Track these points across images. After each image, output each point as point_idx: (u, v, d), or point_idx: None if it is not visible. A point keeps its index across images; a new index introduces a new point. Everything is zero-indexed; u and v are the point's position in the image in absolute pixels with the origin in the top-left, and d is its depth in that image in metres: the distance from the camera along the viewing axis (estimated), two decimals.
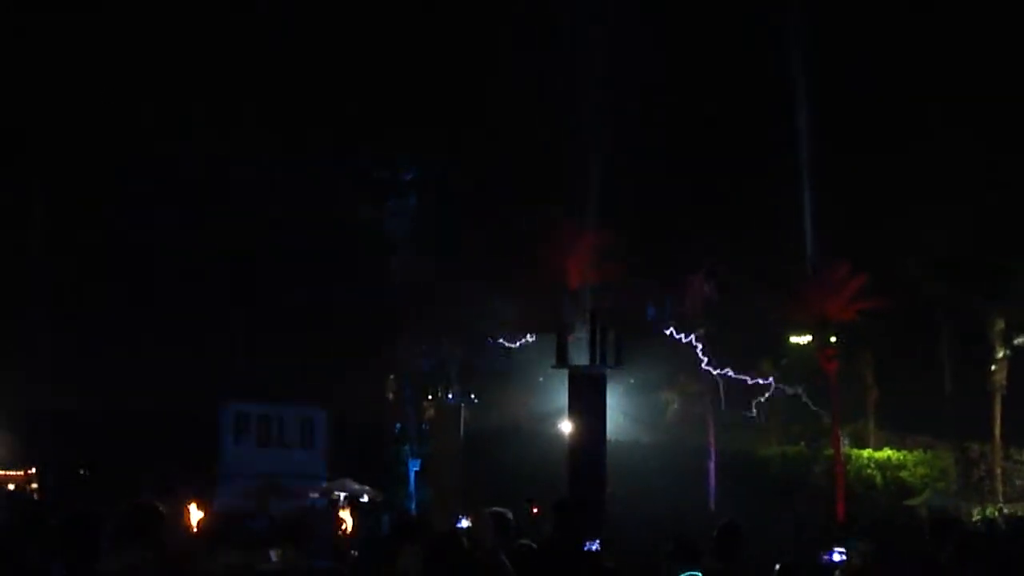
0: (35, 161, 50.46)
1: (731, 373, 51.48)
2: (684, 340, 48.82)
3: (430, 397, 45.30)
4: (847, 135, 53.75)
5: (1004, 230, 50.64)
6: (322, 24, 53.49)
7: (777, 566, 12.12)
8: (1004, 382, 50.88)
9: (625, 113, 47.64)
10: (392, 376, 47.89)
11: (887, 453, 52.78)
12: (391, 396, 47.77)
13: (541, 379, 51.09)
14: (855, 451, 52.68)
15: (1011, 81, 52.44)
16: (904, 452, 53.00)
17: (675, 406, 56.94)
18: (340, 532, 27.05)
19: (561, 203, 47.89)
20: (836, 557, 20.47)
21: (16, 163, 50.06)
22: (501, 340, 50.40)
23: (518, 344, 50.52)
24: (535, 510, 31.18)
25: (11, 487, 40.36)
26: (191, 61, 51.47)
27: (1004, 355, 51.05)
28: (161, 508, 15.61)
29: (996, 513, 45.12)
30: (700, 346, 49.67)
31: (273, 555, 15.54)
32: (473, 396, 46.40)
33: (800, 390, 52.75)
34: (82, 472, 43.34)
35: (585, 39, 49.40)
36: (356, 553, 16.98)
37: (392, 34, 53.62)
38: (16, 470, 42.28)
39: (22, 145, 50.11)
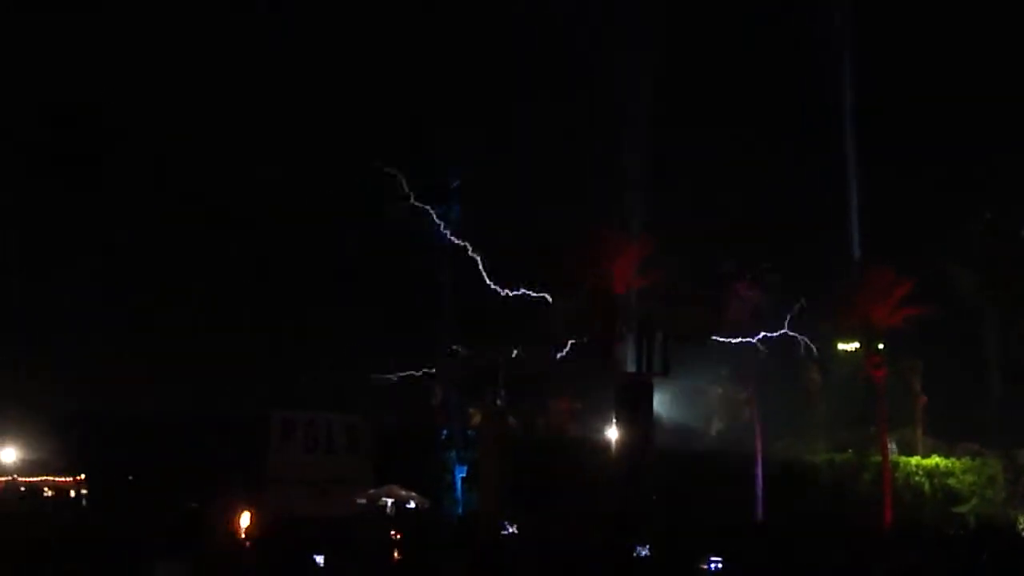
0: (90, 171, 50.87)
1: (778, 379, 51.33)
2: (732, 347, 48.61)
3: (476, 404, 45.38)
4: (895, 142, 53.54)
5: None
6: (366, 32, 53.74)
7: None
8: None
9: (671, 119, 47.66)
10: (438, 383, 47.93)
11: (935, 460, 52.42)
12: (436, 403, 47.82)
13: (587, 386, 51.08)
14: (903, 458, 52.36)
15: None
16: (952, 459, 52.62)
17: (722, 413, 56.78)
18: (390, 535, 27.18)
19: (608, 210, 47.86)
20: None
21: (72, 174, 50.45)
22: (548, 347, 50.38)
23: (565, 351, 50.48)
24: None
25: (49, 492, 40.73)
26: (243, 70, 51.82)
27: None
28: (209, 514, 15.84)
29: None
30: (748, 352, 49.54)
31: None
32: (519, 403, 46.43)
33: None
34: (130, 478, 43.57)
35: (630, 42, 49.41)
36: (401, 557, 17.09)
37: (437, 41, 53.83)
38: (65, 475, 42.57)
39: (80, 156, 50.53)
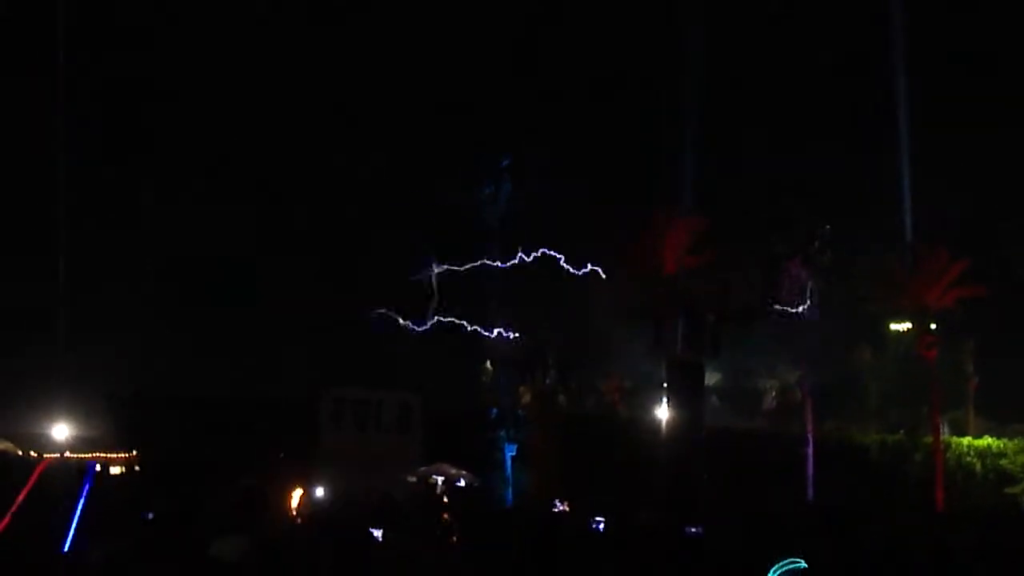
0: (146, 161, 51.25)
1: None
2: (783, 327, 48.46)
3: (526, 382, 45.41)
4: (948, 119, 53.17)
5: None
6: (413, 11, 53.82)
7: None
8: None
9: (721, 97, 47.54)
10: (488, 361, 48.03)
11: (987, 441, 52.11)
12: (486, 380, 47.94)
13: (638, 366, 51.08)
14: (955, 439, 52.12)
15: None
16: (1004, 440, 52.34)
17: (773, 393, 56.70)
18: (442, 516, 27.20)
19: (657, 188, 47.83)
20: None
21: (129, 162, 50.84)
22: (598, 326, 50.36)
23: (615, 330, 50.44)
24: None
25: (116, 470, 40.95)
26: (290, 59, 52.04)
27: None
28: (262, 492, 15.84)
29: None
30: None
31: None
32: (569, 382, 46.46)
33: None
34: (182, 455, 43.93)
35: (679, 24, 49.32)
36: (456, 538, 17.11)
37: (487, 20, 53.84)
38: (120, 452, 42.96)
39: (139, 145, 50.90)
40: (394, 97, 52.57)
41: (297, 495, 23.31)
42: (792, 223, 50.73)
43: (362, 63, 52.94)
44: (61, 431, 44.58)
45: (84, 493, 14.02)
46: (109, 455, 42.47)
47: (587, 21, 53.74)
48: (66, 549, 13.02)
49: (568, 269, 45.25)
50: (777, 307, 46.94)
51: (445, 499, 34.19)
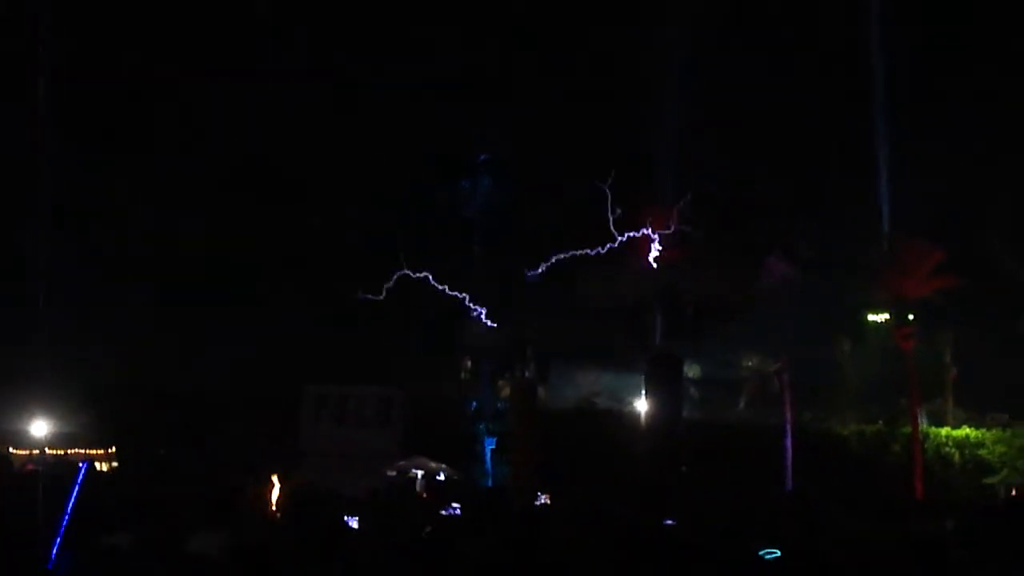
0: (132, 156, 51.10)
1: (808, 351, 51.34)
2: (762, 319, 48.61)
3: (506, 375, 45.43)
4: (924, 107, 53.27)
5: None
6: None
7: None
8: None
9: (700, 90, 47.59)
10: (467, 354, 48.04)
11: (965, 431, 52.30)
12: (465, 374, 47.94)
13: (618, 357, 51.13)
14: (933, 429, 52.29)
15: None
16: (983, 430, 52.53)
17: (751, 385, 56.83)
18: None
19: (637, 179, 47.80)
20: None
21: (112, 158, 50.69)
22: (578, 319, 50.39)
23: (595, 323, 50.47)
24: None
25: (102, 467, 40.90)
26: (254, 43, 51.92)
27: None
28: (242, 488, 15.86)
29: None
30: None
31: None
32: (549, 374, 46.52)
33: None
34: (161, 451, 43.90)
35: (659, 13, 49.34)
36: (430, 529, 17.11)
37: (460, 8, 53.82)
38: (95, 448, 42.85)
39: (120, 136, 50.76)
40: (373, 89, 52.52)
41: (276, 491, 23.33)
42: (772, 215, 50.92)
43: (340, 53, 52.85)
44: (40, 427, 44.43)
45: (72, 499, 13.98)
46: (89, 451, 42.37)
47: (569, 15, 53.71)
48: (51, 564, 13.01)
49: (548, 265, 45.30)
50: (756, 299, 47.09)
51: (425, 494, 34.31)
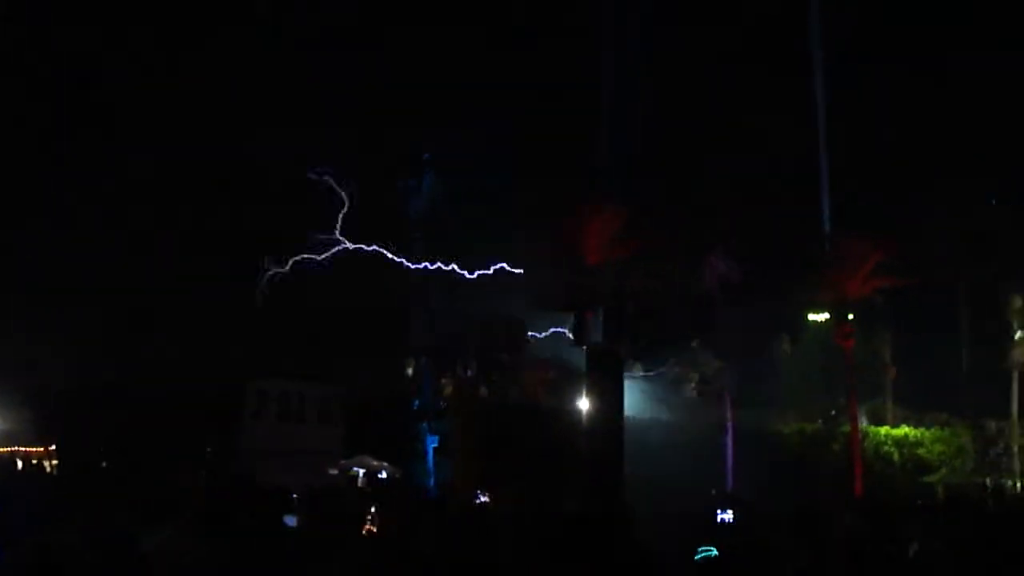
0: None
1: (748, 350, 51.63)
2: (702, 317, 48.82)
3: (448, 374, 45.49)
4: (865, 104, 53.58)
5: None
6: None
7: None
8: (1022, 360, 50.92)
9: (644, 87, 47.73)
10: (410, 353, 48.05)
11: (905, 430, 52.71)
12: (409, 372, 47.95)
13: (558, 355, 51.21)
14: (873, 428, 52.65)
15: None
16: (922, 429, 52.94)
17: (693, 384, 57.02)
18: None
19: (580, 179, 47.94)
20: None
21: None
22: (520, 317, 50.49)
23: (537, 322, 50.59)
24: None
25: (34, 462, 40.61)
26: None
27: (1022, 333, 51.07)
28: (183, 485, 15.84)
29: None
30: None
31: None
32: (491, 373, 46.58)
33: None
34: (101, 450, 43.67)
35: (605, 11, 49.47)
36: (375, 529, 17.17)
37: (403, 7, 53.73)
38: (36, 447, 42.61)
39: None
40: (316, 85, 52.31)
41: (219, 488, 23.28)
42: (714, 214, 51.13)
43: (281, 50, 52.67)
44: None
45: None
46: (30, 450, 42.15)
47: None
48: None
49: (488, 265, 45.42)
50: (698, 297, 47.32)
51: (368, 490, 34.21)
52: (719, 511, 22.78)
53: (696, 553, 12.62)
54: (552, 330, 49.40)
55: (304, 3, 53.57)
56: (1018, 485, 47.63)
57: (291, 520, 14.94)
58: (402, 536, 14.89)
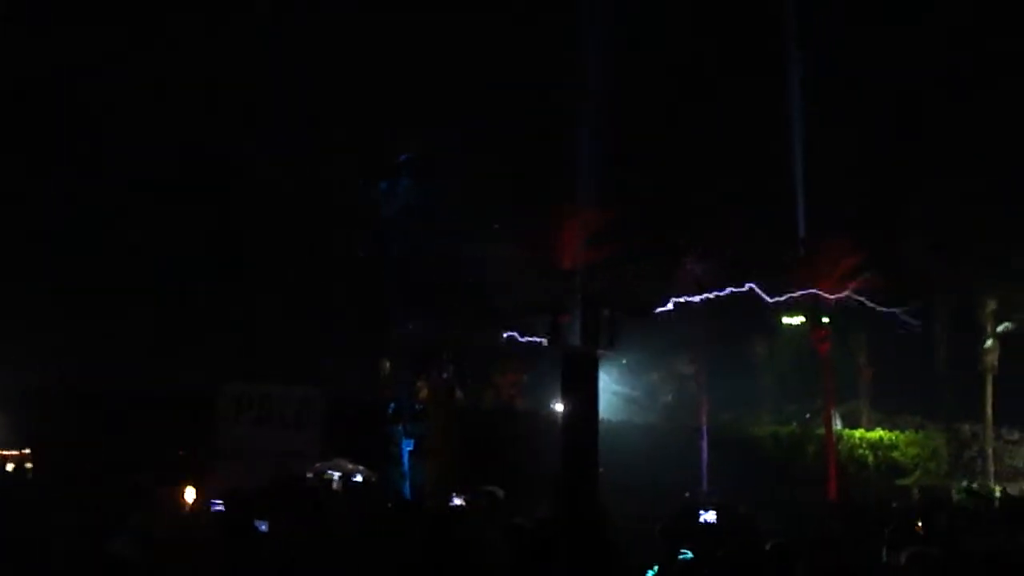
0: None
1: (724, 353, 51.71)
2: (679, 320, 48.78)
3: (424, 377, 45.36)
4: (842, 108, 53.58)
5: (998, 210, 50.64)
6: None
7: (768, 546, 12.27)
8: (996, 363, 51.13)
9: (621, 90, 47.73)
10: (386, 356, 47.95)
11: (879, 433, 52.94)
12: (383, 376, 47.85)
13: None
14: (847, 431, 52.83)
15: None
16: (896, 432, 53.16)
17: (668, 387, 57.11)
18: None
19: (556, 182, 47.90)
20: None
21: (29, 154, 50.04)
22: (495, 320, 50.45)
23: (512, 325, 50.53)
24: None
25: (10, 466, 40.38)
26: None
27: (996, 337, 51.28)
28: (156, 489, 15.74)
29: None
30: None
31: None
32: (467, 376, 46.50)
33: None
34: (76, 452, 43.43)
35: (582, 15, 49.42)
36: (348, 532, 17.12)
37: (379, 12, 53.58)
38: (11, 449, 42.36)
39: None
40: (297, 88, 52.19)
41: (190, 492, 23.19)
42: (689, 217, 51.19)
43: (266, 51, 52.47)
44: None
45: None
46: (4, 453, 41.93)
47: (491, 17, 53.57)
48: None
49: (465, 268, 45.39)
50: (674, 301, 47.32)
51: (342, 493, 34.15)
52: (701, 512, 22.80)
53: (671, 556, 12.62)
54: (526, 336, 49.33)
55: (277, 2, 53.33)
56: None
57: (262, 525, 14.86)
58: (377, 539, 14.85)
